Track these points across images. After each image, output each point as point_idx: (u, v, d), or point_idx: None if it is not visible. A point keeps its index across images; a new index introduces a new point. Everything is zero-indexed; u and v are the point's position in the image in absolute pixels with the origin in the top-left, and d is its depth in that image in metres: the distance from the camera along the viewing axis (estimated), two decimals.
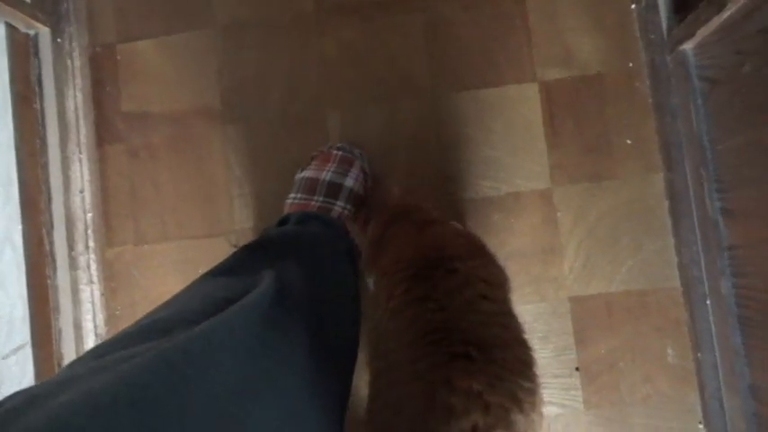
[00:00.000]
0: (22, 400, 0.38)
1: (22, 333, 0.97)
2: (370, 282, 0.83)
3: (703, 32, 0.89)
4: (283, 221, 0.95)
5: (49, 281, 0.99)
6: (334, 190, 0.98)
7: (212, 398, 0.43)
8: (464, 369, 0.55)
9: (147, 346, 0.47)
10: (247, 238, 1.05)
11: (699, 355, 0.97)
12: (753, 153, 0.82)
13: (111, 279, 1.08)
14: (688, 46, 0.95)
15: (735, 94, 0.84)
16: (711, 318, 0.96)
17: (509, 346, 0.60)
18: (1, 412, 0.37)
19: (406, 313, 0.63)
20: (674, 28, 0.97)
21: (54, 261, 1.00)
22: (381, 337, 0.66)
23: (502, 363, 0.57)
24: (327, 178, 0.98)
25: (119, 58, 1.11)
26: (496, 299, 0.64)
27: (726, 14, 0.81)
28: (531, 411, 0.57)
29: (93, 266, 1.04)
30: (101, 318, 1.03)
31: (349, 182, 0.99)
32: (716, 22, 0.84)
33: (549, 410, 0.99)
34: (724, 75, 0.87)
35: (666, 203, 1.01)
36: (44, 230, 0.99)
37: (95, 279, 1.04)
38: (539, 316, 1.01)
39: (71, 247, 1.02)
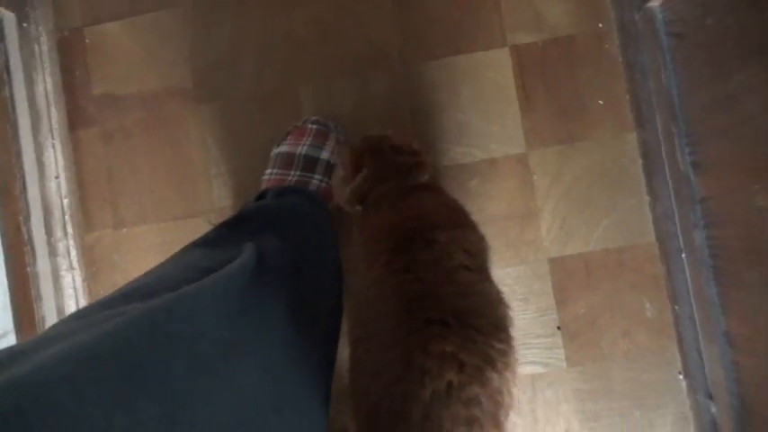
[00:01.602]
0: (5, 355, 0.39)
1: (5, 321, 0.97)
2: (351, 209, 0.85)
3: None
4: (261, 197, 0.95)
5: (29, 268, 0.99)
6: (310, 163, 0.98)
7: (194, 355, 0.44)
8: (440, 334, 0.57)
9: (131, 307, 0.48)
10: (226, 216, 1.04)
11: (676, 307, 0.99)
12: (718, 105, 0.83)
13: (92, 264, 1.07)
14: (655, 3, 0.96)
15: (699, 47, 0.85)
16: (687, 270, 0.97)
17: (485, 313, 0.62)
18: None
19: (386, 283, 0.64)
20: None
21: (33, 248, 0.99)
22: (362, 306, 0.67)
23: (477, 327, 0.59)
24: (303, 152, 0.98)
25: (87, 41, 1.10)
26: (475, 268, 0.66)
27: None
28: (505, 370, 0.59)
29: (73, 252, 1.04)
30: (84, 303, 1.03)
31: (325, 155, 0.99)
32: None
33: (532, 370, 1.01)
34: (689, 29, 0.88)
35: (640, 161, 1.02)
36: (21, 218, 0.99)
37: (76, 265, 1.04)
38: (519, 278, 1.02)
39: (49, 233, 1.01)
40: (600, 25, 1.04)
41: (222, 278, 0.55)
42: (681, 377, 1.00)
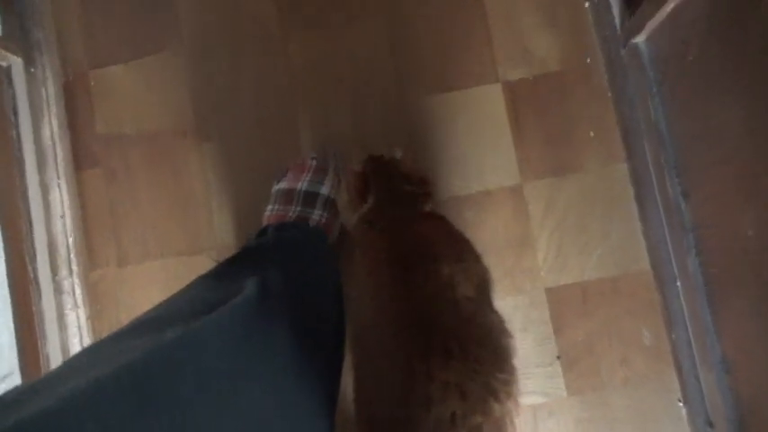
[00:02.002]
0: (29, 389, 0.41)
1: (10, 361, 0.98)
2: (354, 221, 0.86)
3: (651, 25, 0.93)
4: (262, 233, 0.97)
5: (34, 307, 1.00)
6: (310, 199, 1.00)
7: (203, 384, 0.48)
8: (443, 363, 0.58)
9: (142, 341, 0.51)
10: (229, 251, 1.07)
11: (673, 334, 1.00)
12: (702, 140, 0.85)
13: (97, 301, 1.09)
14: (640, 39, 0.99)
15: (683, 81, 0.88)
16: (682, 297, 0.98)
17: (487, 343, 0.63)
18: (7, 401, 0.40)
19: (389, 309, 0.66)
20: (626, 22, 1.01)
21: (38, 287, 1.01)
22: (364, 331, 0.69)
23: (479, 357, 0.61)
24: (303, 188, 1.00)
25: (92, 83, 1.13)
26: (478, 299, 0.68)
27: (669, 7, 0.85)
28: (507, 400, 0.60)
29: (78, 290, 1.05)
30: (88, 341, 1.04)
31: (325, 189, 1.01)
32: (661, 14, 0.88)
33: (533, 400, 1.02)
34: (672, 64, 0.91)
35: (632, 190, 1.04)
36: (27, 257, 1.01)
37: (80, 303, 1.05)
38: (517, 308, 1.04)
39: (54, 272, 1.03)
40: (588, 60, 1.07)
41: (227, 311, 0.58)
42: (681, 404, 1.00)
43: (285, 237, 0.91)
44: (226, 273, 0.80)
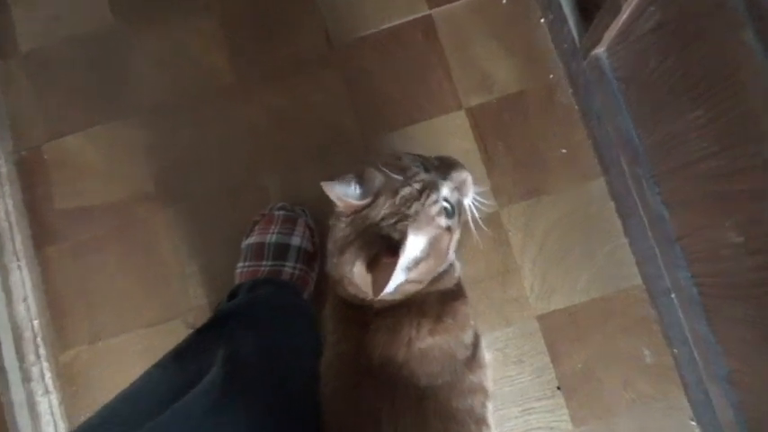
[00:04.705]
0: None
1: None
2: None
3: (609, 36, 0.91)
4: (234, 293, 0.93)
5: (2, 398, 0.95)
6: (281, 251, 0.96)
7: None
8: None
9: None
10: (205, 315, 1.03)
11: (674, 350, 0.96)
12: (671, 145, 0.83)
13: (71, 383, 1.04)
14: (600, 50, 0.97)
15: (647, 90, 0.86)
16: (679, 310, 0.94)
17: None
18: None
19: (349, 383, 0.66)
20: (584, 35, 0.99)
21: (5, 377, 0.96)
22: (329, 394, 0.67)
23: None
24: (273, 240, 0.97)
25: (46, 157, 1.10)
26: (446, 384, 0.65)
27: (623, 17, 0.83)
28: None
29: (48, 375, 1.00)
30: (63, 427, 0.99)
31: (296, 240, 0.97)
32: (616, 24, 0.86)
33: None
34: (634, 73, 0.89)
35: (612, 205, 1.01)
36: None
37: (51, 388, 1.00)
38: (509, 341, 0.99)
39: (21, 359, 0.98)
40: (551, 76, 1.05)
41: (193, 399, 0.60)
42: (693, 423, 0.95)
43: (256, 298, 0.87)
44: (193, 347, 0.77)
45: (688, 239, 0.88)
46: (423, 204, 0.61)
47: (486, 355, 0.74)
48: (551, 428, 0.97)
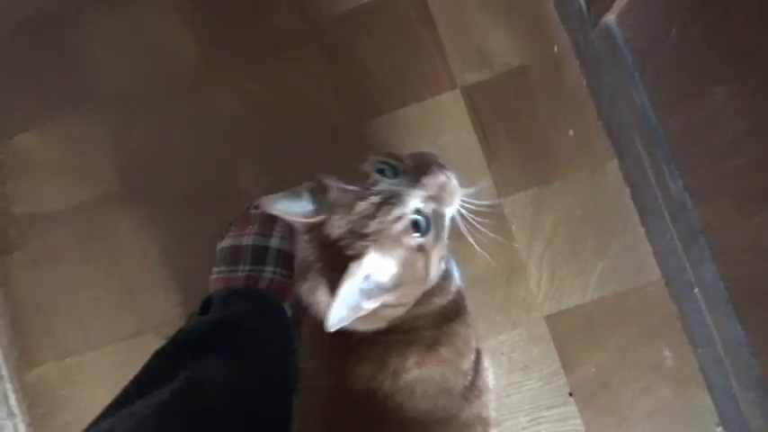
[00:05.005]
0: None
1: None
2: None
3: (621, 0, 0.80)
4: (206, 304, 0.86)
5: None
6: (259, 255, 0.88)
7: None
8: None
9: None
10: (179, 323, 0.94)
11: (699, 351, 0.87)
12: (699, 127, 0.73)
13: (39, 404, 0.96)
14: (610, 17, 0.86)
15: (668, 61, 0.75)
16: (704, 308, 0.85)
17: None
18: None
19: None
20: (592, 0, 0.88)
21: None
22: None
23: None
24: (250, 243, 0.89)
25: (1, 157, 0.99)
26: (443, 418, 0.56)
27: None
28: None
29: (13, 397, 0.92)
30: None
31: (275, 242, 0.88)
32: None
33: None
34: (653, 42, 0.78)
35: (627, 191, 0.91)
36: None
37: (17, 410, 0.92)
38: (515, 345, 0.91)
39: None
40: (555, 49, 0.94)
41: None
42: (719, 429, 0.87)
43: (228, 314, 0.78)
44: (153, 373, 0.69)
45: (714, 232, 0.79)
46: (381, 222, 0.50)
47: (489, 376, 0.65)
48: None
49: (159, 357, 0.72)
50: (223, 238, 0.92)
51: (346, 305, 0.48)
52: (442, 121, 0.94)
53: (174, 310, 0.96)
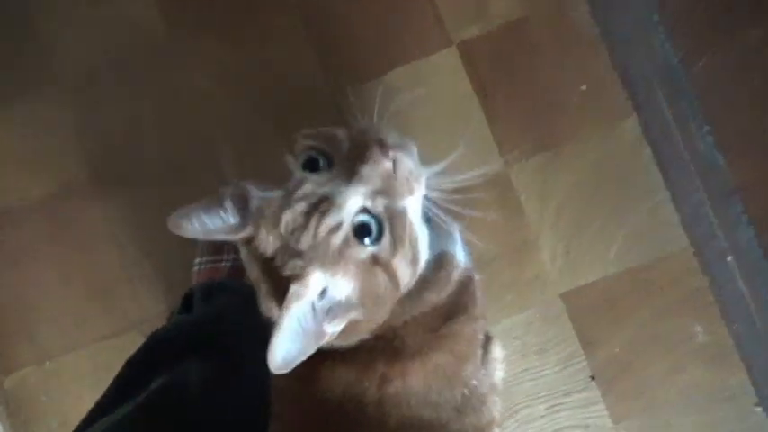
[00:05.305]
0: None
1: None
2: None
3: None
4: (188, 299, 0.80)
5: None
6: None
7: None
8: None
9: None
10: (162, 320, 0.87)
11: (734, 325, 0.80)
12: (733, 70, 0.63)
13: (19, 411, 0.90)
14: None
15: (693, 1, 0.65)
16: (739, 277, 0.77)
17: None
18: None
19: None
20: None
21: None
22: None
23: None
24: None
25: None
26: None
27: None
28: None
29: None
30: None
31: None
32: None
33: None
34: None
35: (648, 151, 0.82)
36: None
37: None
38: (529, 326, 0.84)
39: None
40: None
41: None
42: (758, 409, 0.80)
43: (209, 313, 0.72)
44: (128, 384, 0.62)
45: (751, 192, 0.70)
46: (314, 236, 0.39)
47: (498, 371, 0.56)
48: (586, 426, 0.82)
49: (132, 366, 0.66)
50: None
51: (294, 338, 0.38)
52: (438, 83, 0.86)
53: (155, 306, 0.89)
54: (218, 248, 0.83)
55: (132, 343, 0.87)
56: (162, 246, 0.90)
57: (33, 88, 0.92)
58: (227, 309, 0.73)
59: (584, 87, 0.83)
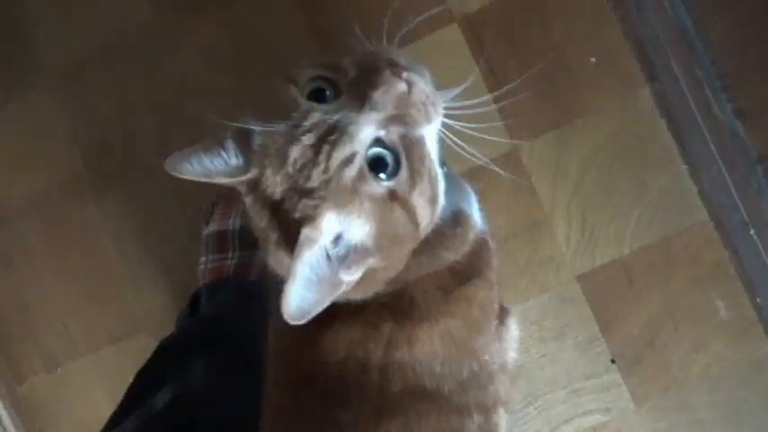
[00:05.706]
0: None
1: None
2: None
3: None
4: (195, 300, 0.79)
5: None
6: (248, 238, 0.77)
7: None
8: None
9: None
10: (171, 321, 0.85)
11: (758, 299, 0.77)
12: (746, 32, 0.60)
13: (33, 419, 0.90)
14: None
15: None
16: (762, 250, 0.74)
17: None
18: None
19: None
20: None
21: None
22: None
23: None
24: (237, 226, 0.81)
25: None
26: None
27: None
28: None
29: (5, 414, 0.86)
30: None
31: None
32: None
33: (593, 420, 0.81)
34: None
35: (663, 122, 0.79)
36: None
37: (10, 426, 0.87)
38: (546, 310, 0.81)
39: None
40: None
41: None
42: None
43: (214, 313, 0.70)
44: (138, 394, 0.61)
45: None
46: (325, 170, 0.36)
47: (511, 351, 0.53)
48: (608, 410, 0.80)
49: (142, 377, 0.65)
50: (207, 222, 0.84)
51: (308, 286, 0.36)
52: (441, 61, 0.81)
53: (162, 305, 0.88)
54: (222, 246, 0.81)
55: (142, 345, 0.87)
56: (162, 244, 0.88)
57: (22, 85, 0.90)
58: (230, 306, 0.73)
59: (593, 59, 0.79)
